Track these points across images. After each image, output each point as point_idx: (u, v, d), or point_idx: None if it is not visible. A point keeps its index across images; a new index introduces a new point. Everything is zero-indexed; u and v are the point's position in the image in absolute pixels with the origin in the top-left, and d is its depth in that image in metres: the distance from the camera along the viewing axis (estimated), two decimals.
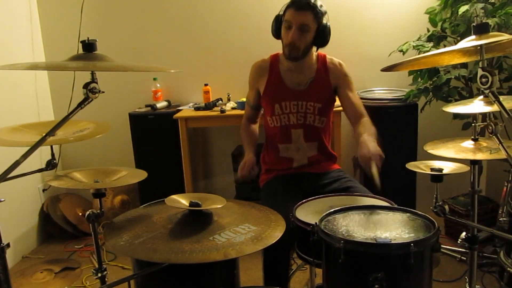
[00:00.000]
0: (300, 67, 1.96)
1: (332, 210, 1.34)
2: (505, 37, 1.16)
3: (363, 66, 3.05)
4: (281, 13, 1.89)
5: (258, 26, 3.05)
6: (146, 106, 3.12)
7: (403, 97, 2.81)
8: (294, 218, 1.45)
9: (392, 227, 1.23)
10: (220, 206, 1.29)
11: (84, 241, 3.01)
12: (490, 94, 1.12)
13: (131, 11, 3.20)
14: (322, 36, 1.86)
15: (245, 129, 2.12)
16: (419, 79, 2.67)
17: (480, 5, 2.35)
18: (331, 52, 2.03)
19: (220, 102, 3.10)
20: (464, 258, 2.35)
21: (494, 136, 1.21)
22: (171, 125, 2.92)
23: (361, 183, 1.95)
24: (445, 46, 2.64)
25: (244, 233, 1.19)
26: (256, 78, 2.04)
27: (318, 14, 1.82)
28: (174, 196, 1.33)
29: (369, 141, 1.66)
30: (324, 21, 1.85)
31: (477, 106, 1.49)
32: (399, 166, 1.66)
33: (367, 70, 3.02)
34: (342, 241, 1.12)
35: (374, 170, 1.54)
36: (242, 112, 2.25)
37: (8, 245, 1.19)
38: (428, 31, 2.69)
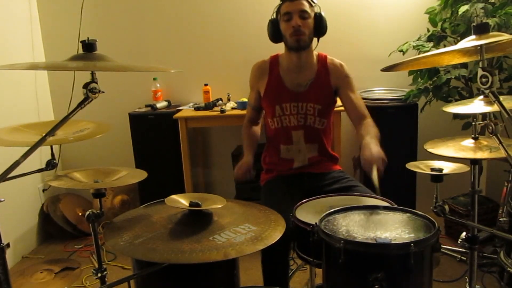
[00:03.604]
0: (300, 67, 1.95)
1: (332, 210, 1.34)
2: (505, 37, 1.15)
3: (363, 66, 3.04)
4: (274, 16, 1.93)
5: (258, 26, 3.01)
6: (146, 106, 3.12)
7: (403, 97, 2.81)
8: (294, 218, 1.45)
9: (392, 227, 1.23)
10: (220, 206, 1.29)
11: (84, 241, 3.01)
12: (490, 94, 1.12)
13: (131, 11, 3.20)
14: (320, 23, 1.91)
15: (246, 130, 2.09)
16: (419, 79, 2.67)
17: (480, 5, 2.35)
18: (331, 52, 2.02)
19: (220, 102, 3.10)
20: (464, 258, 2.35)
21: (494, 136, 1.20)
22: (171, 125, 2.91)
23: (361, 183, 1.95)
24: (445, 46, 2.64)
25: (244, 233, 1.19)
26: (256, 79, 2.04)
27: (311, 2, 1.90)
28: (174, 196, 1.33)
29: (372, 144, 1.67)
30: (319, 10, 1.92)
31: (477, 106, 1.49)
32: (399, 166, 1.66)
33: (367, 70, 3.01)
34: (342, 241, 1.12)
35: (375, 174, 1.55)
36: (242, 112, 2.24)
37: (8, 245, 1.19)
38: (428, 31, 2.69)
